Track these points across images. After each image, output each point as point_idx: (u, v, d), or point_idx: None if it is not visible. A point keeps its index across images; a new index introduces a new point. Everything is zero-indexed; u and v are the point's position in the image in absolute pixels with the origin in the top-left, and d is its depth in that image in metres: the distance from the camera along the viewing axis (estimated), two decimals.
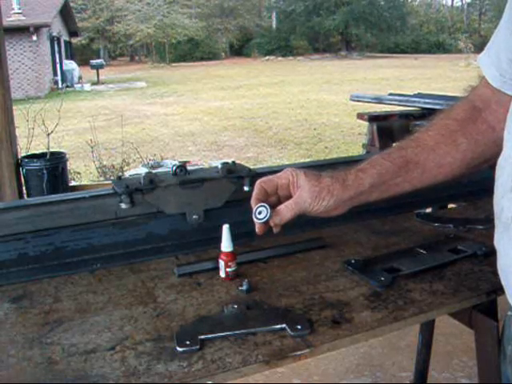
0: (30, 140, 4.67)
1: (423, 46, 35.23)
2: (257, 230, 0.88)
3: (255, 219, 0.86)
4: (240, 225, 1.05)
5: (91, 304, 0.90)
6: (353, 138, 8.37)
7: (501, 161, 0.76)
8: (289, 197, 0.88)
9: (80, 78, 20.22)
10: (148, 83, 19.89)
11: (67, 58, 21.73)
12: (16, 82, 16.29)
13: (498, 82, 0.84)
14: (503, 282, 0.76)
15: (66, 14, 21.42)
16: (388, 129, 3.48)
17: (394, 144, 0.93)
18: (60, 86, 18.97)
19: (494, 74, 0.85)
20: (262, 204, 0.86)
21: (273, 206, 0.87)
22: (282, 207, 0.86)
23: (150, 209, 1.06)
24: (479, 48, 30.70)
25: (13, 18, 16.81)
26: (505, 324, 0.83)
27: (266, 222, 0.86)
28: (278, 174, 0.88)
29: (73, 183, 4.97)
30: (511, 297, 0.74)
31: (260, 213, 0.86)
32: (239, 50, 36.91)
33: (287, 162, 6.31)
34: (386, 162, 0.88)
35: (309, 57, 32.35)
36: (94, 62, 22.09)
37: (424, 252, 1.05)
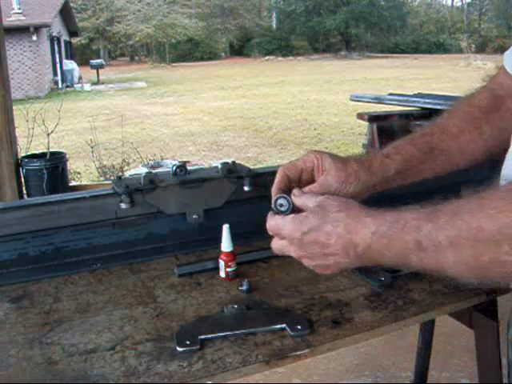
0: (30, 140, 4.67)
1: (423, 46, 35.23)
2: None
3: (276, 210, 0.77)
4: (240, 225, 1.05)
5: (91, 304, 0.90)
6: (353, 138, 8.37)
7: (508, 154, 0.78)
8: (311, 181, 0.82)
9: (80, 77, 20.22)
10: (148, 83, 19.89)
11: (67, 57, 21.74)
12: (16, 82, 16.29)
13: None
14: None
15: (66, 13, 21.42)
16: (388, 129, 3.48)
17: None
18: (60, 85, 18.96)
19: None
20: (282, 195, 0.78)
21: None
22: (306, 189, 0.80)
23: (149, 209, 1.06)
24: (480, 48, 30.74)
25: (13, 18, 16.81)
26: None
27: (288, 214, 0.77)
28: (302, 158, 0.84)
29: (73, 183, 4.97)
30: None
31: (281, 205, 0.77)
32: (239, 50, 36.90)
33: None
34: (411, 147, 0.87)
35: (309, 57, 32.35)
36: (93, 61, 22.09)
37: None
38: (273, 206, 0.78)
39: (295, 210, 0.77)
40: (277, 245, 0.77)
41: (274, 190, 0.81)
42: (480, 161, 0.91)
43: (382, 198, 0.88)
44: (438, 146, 0.88)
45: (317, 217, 0.72)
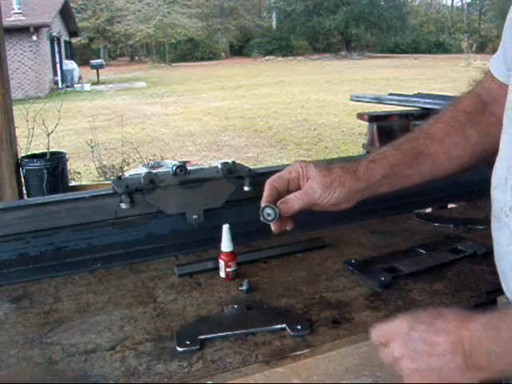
0: (30, 140, 4.66)
1: (423, 46, 35.23)
2: (273, 229, 0.85)
3: (264, 220, 0.83)
4: (240, 225, 1.05)
5: (91, 304, 0.90)
6: (353, 138, 8.37)
7: (496, 163, 0.79)
8: (298, 190, 0.85)
9: (80, 77, 20.21)
10: (148, 83, 19.88)
11: (67, 58, 21.73)
12: (16, 82, 16.28)
13: (504, 76, 0.86)
14: (498, 268, 0.78)
15: (66, 13, 21.42)
16: (388, 129, 3.48)
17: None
18: (60, 85, 18.95)
19: (501, 69, 0.86)
20: (269, 205, 0.83)
21: None
22: (290, 196, 0.83)
23: (149, 209, 1.06)
24: (480, 48, 30.74)
25: (13, 18, 16.80)
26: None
27: (277, 221, 0.84)
28: (287, 169, 0.86)
29: (73, 183, 4.97)
30: (503, 282, 0.77)
31: (269, 215, 0.83)
32: (239, 50, 36.92)
33: (287, 162, 6.30)
34: (397, 153, 0.87)
35: (309, 57, 32.35)
36: (93, 61, 22.09)
37: (424, 252, 1.05)
38: (260, 215, 0.82)
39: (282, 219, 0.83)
40: (384, 352, 0.71)
41: (262, 202, 0.84)
42: (468, 167, 0.91)
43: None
44: (424, 150, 0.88)
45: (428, 314, 0.69)
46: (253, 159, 7.28)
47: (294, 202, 0.83)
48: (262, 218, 0.83)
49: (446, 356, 0.64)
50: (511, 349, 0.61)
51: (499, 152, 0.78)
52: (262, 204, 0.83)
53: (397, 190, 0.89)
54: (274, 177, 0.85)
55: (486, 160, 0.90)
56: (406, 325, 0.68)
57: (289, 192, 0.85)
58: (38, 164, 4.04)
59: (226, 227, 0.97)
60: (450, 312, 0.68)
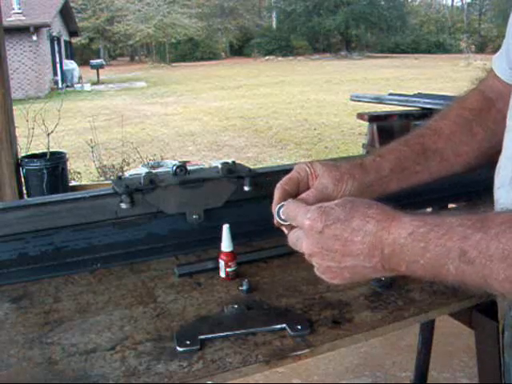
0: (30, 140, 4.66)
1: (423, 46, 35.24)
2: (286, 231, 0.73)
3: (280, 221, 0.73)
4: (240, 225, 1.05)
5: (91, 304, 0.90)
6: (353, 138, 8.36)
7: (500, 159, 0.78)
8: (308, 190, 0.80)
9: (80, 77, 20.22)
10: (148, 83, 19.89)
11: (67, 57, 21.73)
12: (16, 82, 16.28)
13: (506, 74, 0.86)
14: None
15: (66, 13, 21.42)
16: (388, 129, 3.48)
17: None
18: (60, 85, 18.95)
19: (503, 68, 0.86)
20: (286, 202, 0.74)
21: None
22: (303, 195, 0.77)
23: (149, 209, 1.07)
24: (480, 48, 30.77)
25: (13, 18, 16.81)
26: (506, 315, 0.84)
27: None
28: (294, 170, 0.81)
29: (73, 183, 4.96)
30: None
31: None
32: (239, 49, 36.94)
33: (287, 162, 6.30)
34: (404, 148, 0.86)
35: (309, 57, 32.35)
36: (93, 61, 22.10)
37: None
38: (275, 217, 0.74)
39: None
40: (293, 235, 0.69)
41: (275, 205, 0.78)
42: (475, 164, 0.90)
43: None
44: (431, 147, 0.87)
45: (345, 210, 0.65)
46: (253, 159, 7.28)
47: (309, 199, 0.76)
48: (277, 219, 0.74)
49: (360, 256, 0.63)
50: (441, 261, 0.58)
51: (503, 151, 0.78)
52: (277, 206, 0.76)
53: (404, 187, 0.86)
54: (284, 179, 0.81)
55: (493, 158, 0.89)
56: (321, 221, 0.64)
57: (299, 194, 0.80)
58: (38, 164, 4.04)
59: (226, 227, 0.97)
60: (370, 208, 0.65)
